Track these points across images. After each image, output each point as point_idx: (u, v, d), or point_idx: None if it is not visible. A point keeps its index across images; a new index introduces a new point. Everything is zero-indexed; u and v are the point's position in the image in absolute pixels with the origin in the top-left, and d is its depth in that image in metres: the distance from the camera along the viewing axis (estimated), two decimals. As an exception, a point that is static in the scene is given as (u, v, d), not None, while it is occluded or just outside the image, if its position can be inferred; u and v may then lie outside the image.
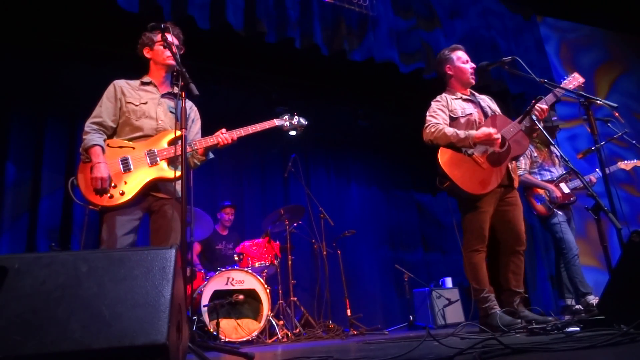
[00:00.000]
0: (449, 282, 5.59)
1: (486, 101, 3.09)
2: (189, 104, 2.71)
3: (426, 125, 2.91)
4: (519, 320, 2.60)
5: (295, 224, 4.75)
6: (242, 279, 3.93)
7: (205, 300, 3.74)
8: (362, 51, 4.56)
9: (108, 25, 4.04)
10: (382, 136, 6.69)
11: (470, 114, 2.93)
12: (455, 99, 3.00)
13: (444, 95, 3.04)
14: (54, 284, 1.22)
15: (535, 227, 5.25)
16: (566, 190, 3.91)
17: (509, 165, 2.88)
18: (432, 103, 3.02)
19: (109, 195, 2.30)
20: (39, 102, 4.87)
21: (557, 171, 4.05)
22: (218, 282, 3.88)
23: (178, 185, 2.50)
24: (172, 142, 2.47)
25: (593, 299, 3.58)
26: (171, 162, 2.46)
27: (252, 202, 5.95)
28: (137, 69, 2.73)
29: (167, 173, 2.43)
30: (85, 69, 4.57)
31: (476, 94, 3.11)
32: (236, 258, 4.39)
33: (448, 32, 5.09)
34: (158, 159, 2.43)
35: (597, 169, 3.98)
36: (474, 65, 3.05)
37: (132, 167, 2.39)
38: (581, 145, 5.51)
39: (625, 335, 1.38)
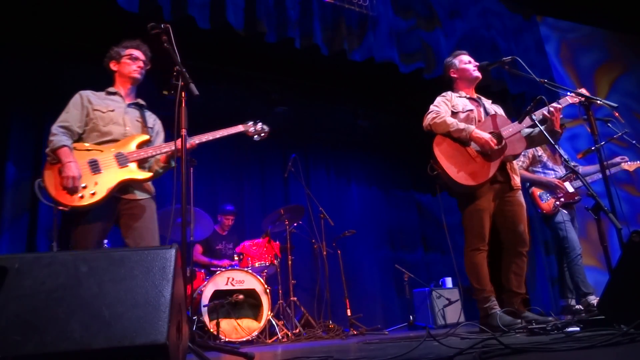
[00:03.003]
0: (449, 282, 5.58)
1: (490, 104, 3.14)
2: (152, 116, 2.78)
3: (428, 112, 2.97)
4: (519, 320, 2.61)
5: (295, 224, 4.74)
6: (242, 279, 3.93)
7: (205, 300, 3.74)
8: (362, 51, 4.56)
9: (108, 25, 4.04)
10: (382, 136, 6.69)
11: (471, 110, 2.99)
12: (460, 97, 3.07)
13: (449, 92, 3.12)
14: (54, 284, 1.22)
15: (535, 227, 5.24)
16: (571, 189, 3.90)
17: (508, 165, 2.89)
18: (438, 97, 3.10)
19: (79, 195, 2.31)
20: (39, 102, 4.86)
21: (562, 170, 4.05)
22: (218, 282, 3.88)
23: (148, 185, 2.60)
24: (140, 145, 2.54)
25: (594, 300, 3.57)
26: (141, 164, 2.52)
27: (252, 202, 5.94)
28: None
29: (137, 174, 2.49)
30: (85, 69, 4.55)
31: (482, 97, 3.16)
32: (236, 258, 4.39)
33: (448, 32, 5.09)
34: (128, 161, 2.47)
35: None
36: (477, 63, 3.11)
37: (101, 169, 2.41)
38: (581, 145, 5.50)
39: (625, 335, 1.38)
